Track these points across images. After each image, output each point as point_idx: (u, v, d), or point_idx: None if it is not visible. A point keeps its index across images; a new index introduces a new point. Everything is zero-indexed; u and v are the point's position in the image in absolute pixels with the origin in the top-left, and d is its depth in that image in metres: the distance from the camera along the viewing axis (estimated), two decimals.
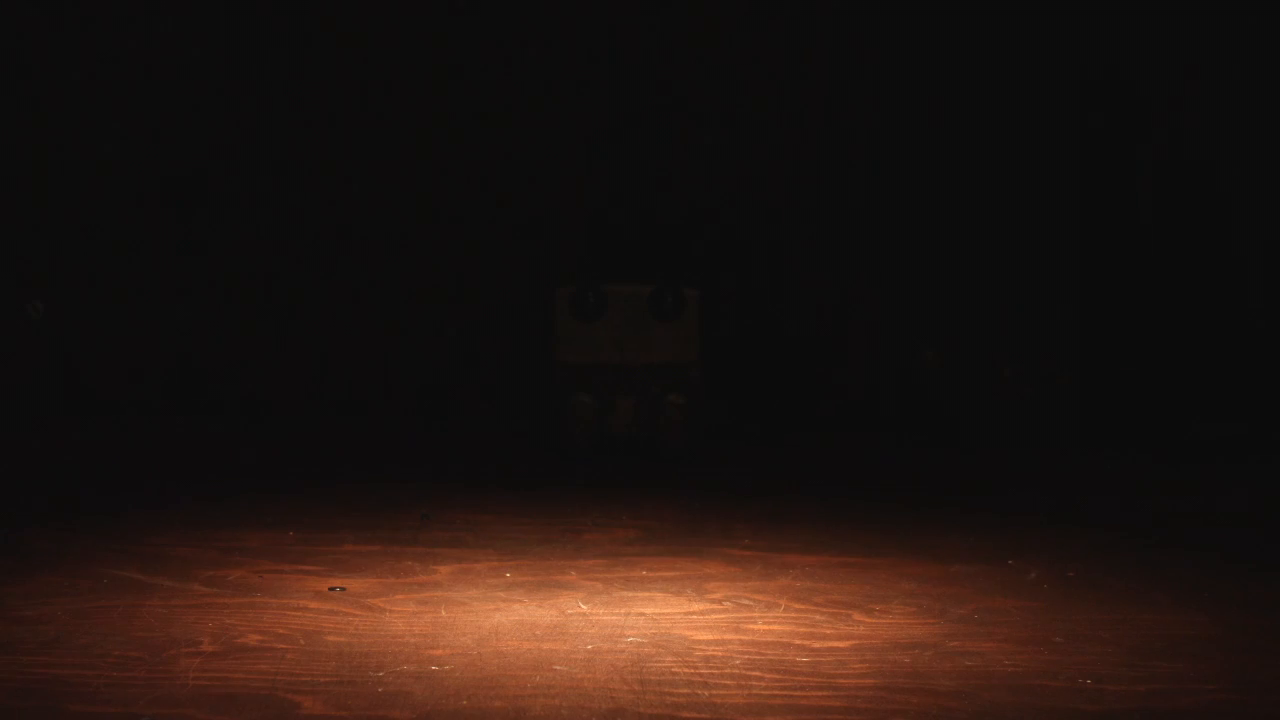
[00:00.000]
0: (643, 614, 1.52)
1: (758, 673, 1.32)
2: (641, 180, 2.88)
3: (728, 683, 1.29)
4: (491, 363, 2.72)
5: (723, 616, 1.51)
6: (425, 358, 2.85)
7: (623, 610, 1.53)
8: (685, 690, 1.27)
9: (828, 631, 1.47)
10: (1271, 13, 2.75)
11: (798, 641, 1.43)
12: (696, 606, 1.55)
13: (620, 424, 2.39)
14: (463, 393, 2.47)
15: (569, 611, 1.52)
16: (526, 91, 2.87)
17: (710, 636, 1.44)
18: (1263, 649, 1.44)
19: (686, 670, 1.33)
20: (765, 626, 1.48)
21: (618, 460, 2.37)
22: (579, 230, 2.87)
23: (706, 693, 1.27)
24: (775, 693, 1.27)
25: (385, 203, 2.88)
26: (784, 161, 2.88)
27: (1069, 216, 2.84)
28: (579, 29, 2.87)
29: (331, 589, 1.60)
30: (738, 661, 1.35)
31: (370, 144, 2.88)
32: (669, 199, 2.88)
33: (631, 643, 1.41)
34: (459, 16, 2.87)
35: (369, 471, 2.36)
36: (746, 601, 1.58)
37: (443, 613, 1.51)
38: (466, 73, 2.88)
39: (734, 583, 1.66)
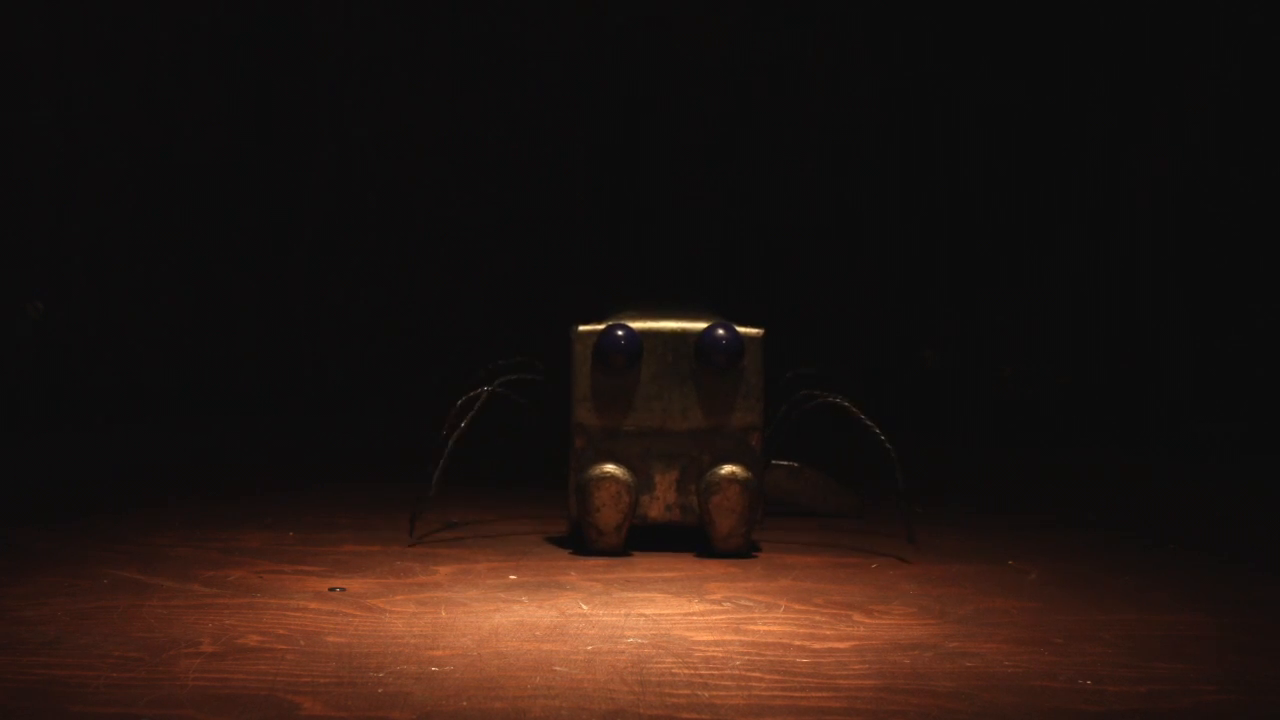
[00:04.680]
0: (643, 615, 1.52)
1: (758, 674, 1.32)
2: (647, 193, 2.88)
3: (728, 684, 1.29)
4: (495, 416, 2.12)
5: (723, 617, 1.51)
6: (421, 366, 2.85)
7: (623, 611, 1.53)
8: (685, 691, 1.27)
9: (828, 632, 1.47)
10: (1270, 12, 2.75)
11: (798, 642, 1.43)
12: (696, 607, 1.55)
13: (659, 507, 1.81)
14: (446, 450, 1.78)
15: (569, 612, 1.52)
16: (532, 101, 2.87)
17: (710, 637, 1.44)
18: (1263, 649, 1.44)
19: (686, 671, 1.33)
20: (765, 627, 1.48)
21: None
22: (597, 248, 2.87)
23: (707, 694, 1.27)
24: (775, 693, 1.27)
25: (384, 207, 2.88)
26: (783, 164, 2.88)
27: (1068, 217, 2.84)
28: (580, 34, 2.87)
29: (331, 589, 1.60)
30: (738, 662, 1.35)
31: (367, 150, 2.88)
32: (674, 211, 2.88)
33: (631, 644, 1.41)
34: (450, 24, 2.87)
35: (369, 472, 2.36)
36: (746, 602, 1.58)
37: (443, 613, 1.51)
38: (463, 76, 2.88)
39: (734, 583, 1.66)
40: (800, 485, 1.98)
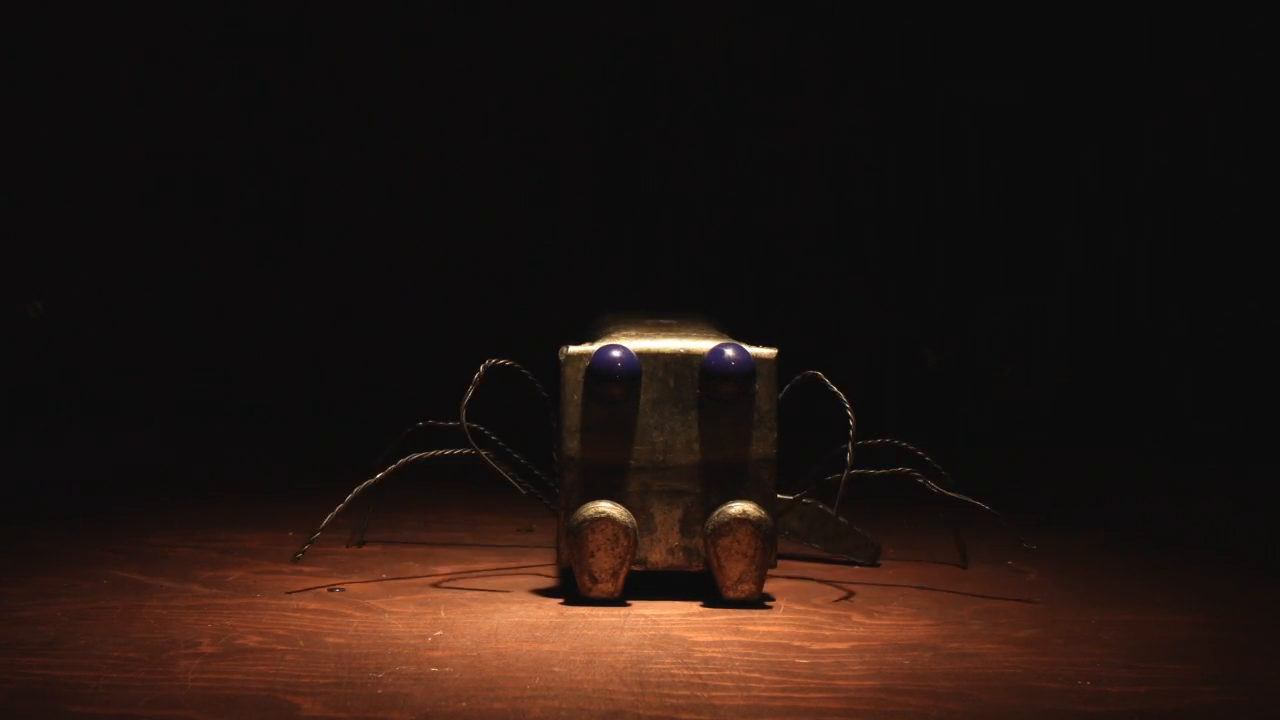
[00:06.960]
0: (642, 615, 1.52)
1: (757, 674, 1.32)
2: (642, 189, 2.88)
3: (727, 684, 1.29)
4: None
5: (722, 618, 1.51)
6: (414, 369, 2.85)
7: (622, 611, 1.53)
8: (685, 692, 1.27)
9: (827, 633, 1.47)
10: (1270, 12, 2.75)
11: (797, 643, 1.42)
12: (696, 608, 1.55)
13: (661, 550, 1.59)
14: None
15: (569, 612, 1.52)
16: (531, 101, 2.87)
17: (709, 638, 1.44)
18: (1263, 649, 1.44)
19: (686, 672, 1.32)
20: (764, 628, 1.48)
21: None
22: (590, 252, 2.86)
23: (706, 694, 1.26)
24: (774, 694, 1.27)
25: (384, 207, 2.88)
26: (783, 165, 2.88)
27: (1068, 217, 2.84)
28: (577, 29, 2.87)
29: (331, 589, 1.60)
30: (737, 663, 1.35)
31: (364, 153, 2.88)
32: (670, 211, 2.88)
33: (631, 644, 1.41)
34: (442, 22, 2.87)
35: (368, 472, 2.35)
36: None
37: (442, 614, 1.51)
38: (463, 76, 2.88)
39: None
40: (810, 525, 1.80)
